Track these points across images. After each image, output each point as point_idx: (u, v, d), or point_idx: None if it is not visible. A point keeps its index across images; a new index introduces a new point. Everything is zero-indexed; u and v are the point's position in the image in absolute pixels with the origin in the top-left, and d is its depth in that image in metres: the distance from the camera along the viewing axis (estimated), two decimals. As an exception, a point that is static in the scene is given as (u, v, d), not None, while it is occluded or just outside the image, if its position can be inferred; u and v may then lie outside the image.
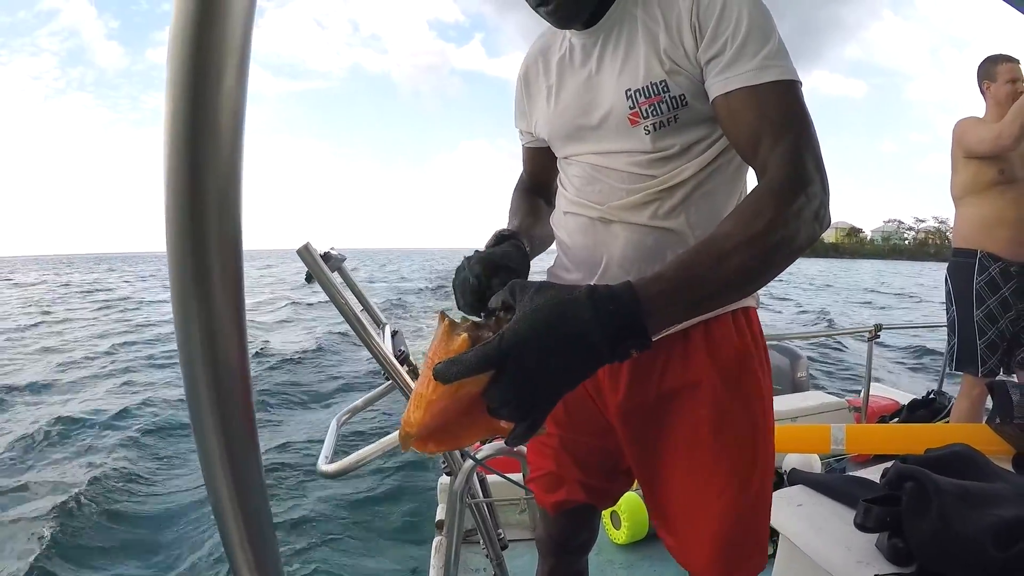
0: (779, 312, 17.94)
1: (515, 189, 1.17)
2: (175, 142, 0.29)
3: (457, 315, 0.68)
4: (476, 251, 0.87)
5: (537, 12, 0.87)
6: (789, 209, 0.67)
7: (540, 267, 1.05)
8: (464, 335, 0.61)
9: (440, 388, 0.57)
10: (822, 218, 0.70)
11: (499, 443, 1.45)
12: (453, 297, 0.85)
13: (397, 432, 1.23)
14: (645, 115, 0.85)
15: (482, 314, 0.65)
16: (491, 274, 0.81)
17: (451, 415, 0.59)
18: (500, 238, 0.92)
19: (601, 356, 0.57)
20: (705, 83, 0.82)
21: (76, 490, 4.63)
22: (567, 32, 0.95)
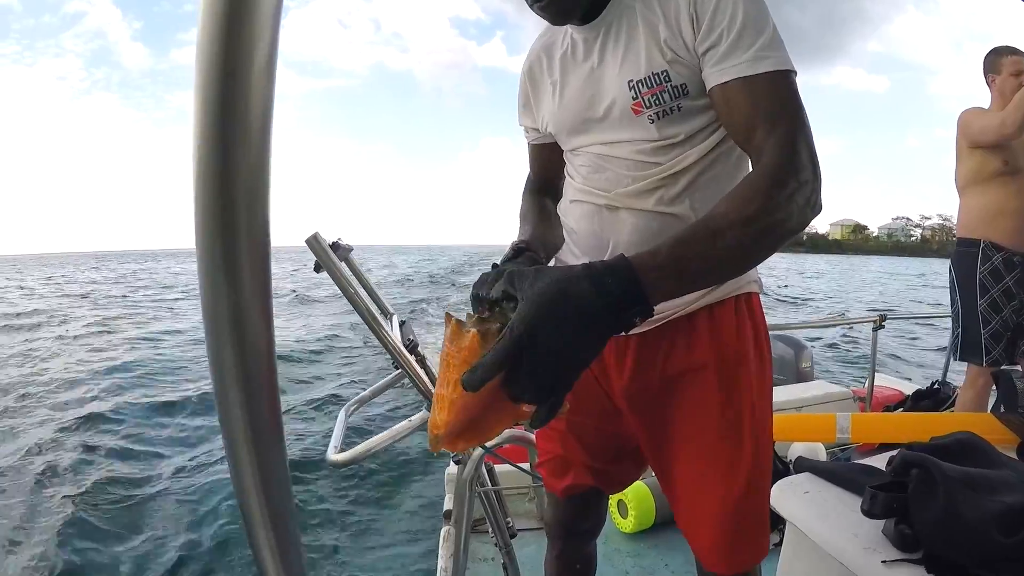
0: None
1: (524, 192, 1.17)
2: (205, 137, 0.30)
3: (461, 314, 0.69)
4: (495, 265, 0.84)
5: (532, 10, 0.89)
6: (782, 193, 0.69)
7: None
8: (472, 331, 0.62)
9: (460, 388, 0.58)
10: (814, 204, 0.72)
11: (508, 431, 1.46)
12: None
13: (406, 421, 1.24)
14: (648, 105, 0.87)
15: (485, 307, 0.67)
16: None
17: (475, 409, 0.61)
18: (517, 251, 0.90)
19: (607, 327, 0.59)
20: (702, 73, 0.84)
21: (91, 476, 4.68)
22: (568, 28, 0.97)
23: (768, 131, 0.76)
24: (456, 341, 0.63)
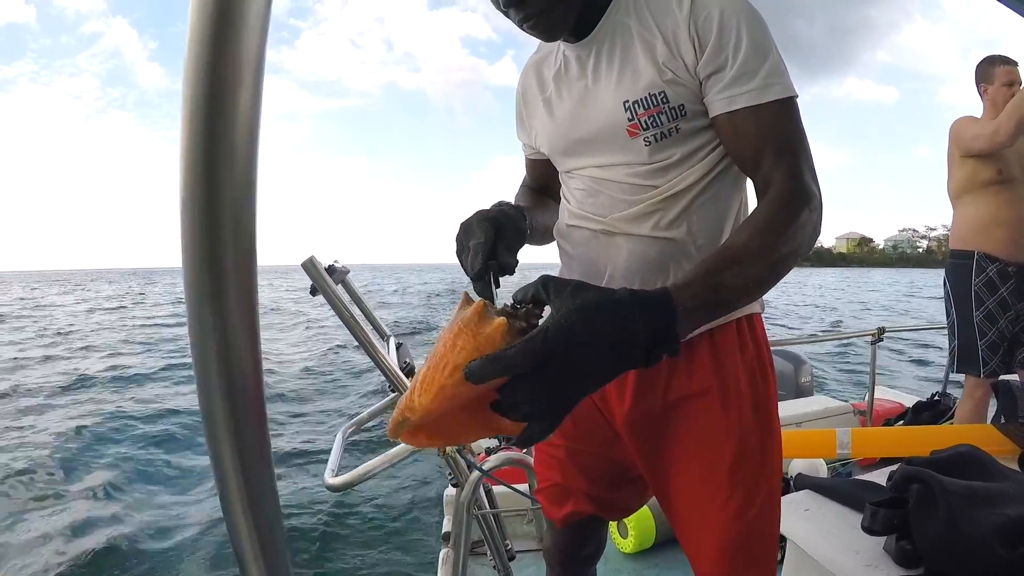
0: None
1: (519, 188, 1.17)
2: (191, 158, 0.30)
3: (476, 297, 0.64)
4: (479, 211, 0.85)
5: (522, 29, 0.86)
6: (797, 223, 0.72)
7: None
8: (502, 319, 0.57)
9: (458, 375, 0.53)
10: (819, 229, 0.76)
11: (506, 453, 1.45)
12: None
13: (402, 445, 1.23)
14: (645, 127, 0.85)
15: (507, 304, 0.63)
16: (497, 234, 0.80)
17: (459, 405, 0.56)
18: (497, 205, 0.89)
19: (636, 360, 0.57)
20: (705, 98, 0.82)
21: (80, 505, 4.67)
22: (561, 45, 0.95)
23: (776, 160, 0.77)
24: (476, 325, 0.57)
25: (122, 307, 28.50)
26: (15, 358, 12.28)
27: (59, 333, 17.27)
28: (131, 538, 4.28)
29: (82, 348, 13.78)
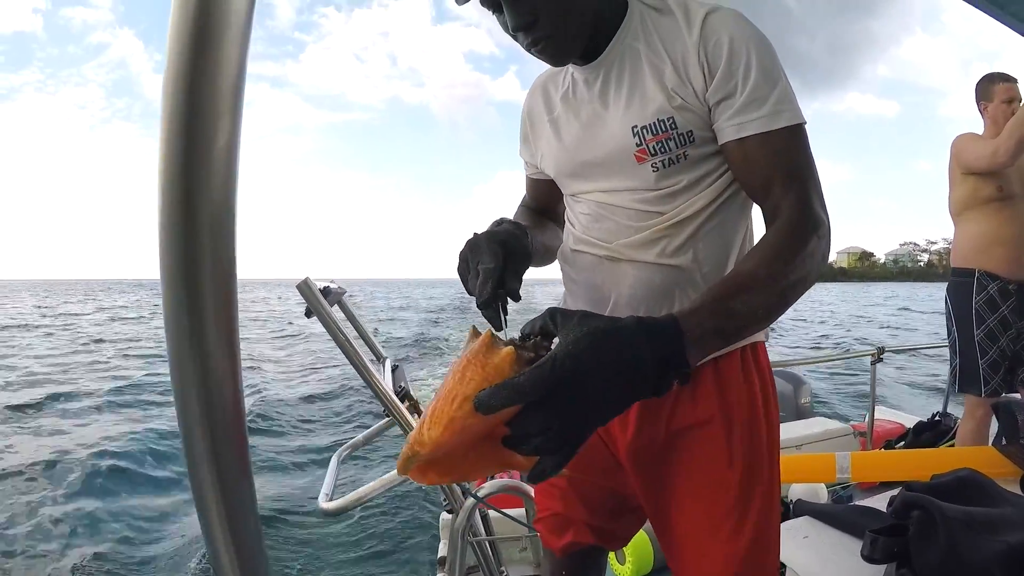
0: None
1: (518, 207, 1.16)
2: (169, 174, 0.30)
3: (484, 329, 0.64)
4: (476, 234, 0.82)
5: (531, 53, 0.86)
6: (806, 250, 0.72)
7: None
8: (510, 349, 0.56)
9: (468, 406, 0.52)
10: (827, 256, 0.77)
11: (501, 480, 1.43)
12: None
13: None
14: (653, 152, 0.84)
15: (516, 337, 0.62)
16: (505, 260, 0.78)
17: (470, 438, 0.55)
18: (499, 223, 0.88)
19: (647, 387, 0.56)
20: (714, 124, 0.82)
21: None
22: (569, 67, 0.94)
23: (786, 188, 0.78)
24: (484, 356, 0.57)
25: (141, 317, 29.22)
26: (59, 363, 12.79)
27: (94, 340, 17.79)
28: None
29: (121, 355, 14.25)
